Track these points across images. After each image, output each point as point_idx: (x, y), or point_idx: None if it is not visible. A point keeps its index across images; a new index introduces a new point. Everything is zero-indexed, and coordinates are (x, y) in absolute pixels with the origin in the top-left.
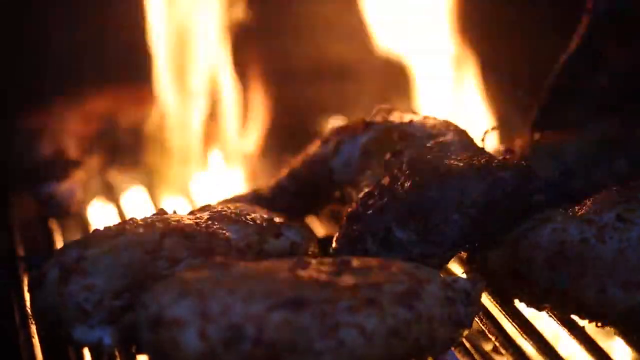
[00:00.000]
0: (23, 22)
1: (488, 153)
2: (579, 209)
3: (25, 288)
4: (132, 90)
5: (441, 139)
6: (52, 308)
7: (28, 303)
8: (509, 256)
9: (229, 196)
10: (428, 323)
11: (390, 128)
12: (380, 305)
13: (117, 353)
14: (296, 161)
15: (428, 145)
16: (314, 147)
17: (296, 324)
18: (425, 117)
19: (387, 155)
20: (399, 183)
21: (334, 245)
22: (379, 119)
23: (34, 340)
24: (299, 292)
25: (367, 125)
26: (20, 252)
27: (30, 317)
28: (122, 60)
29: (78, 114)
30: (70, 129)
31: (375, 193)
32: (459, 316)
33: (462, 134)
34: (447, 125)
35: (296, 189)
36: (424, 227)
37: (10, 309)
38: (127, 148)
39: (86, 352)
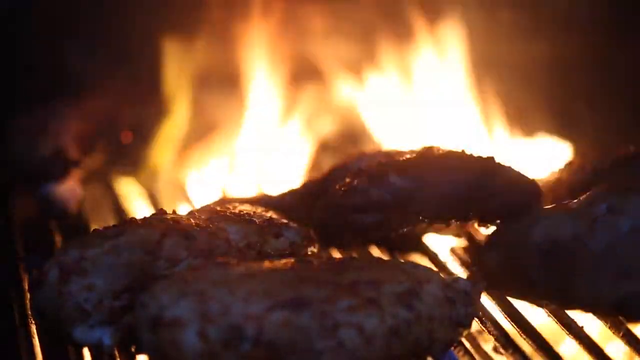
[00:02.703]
0: (23, 22)
1: None
2: (574, 202)
3: (26, 288)
4: (132, 90)
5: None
6: (52, 308)
7: (28, 303)
8: (505, 256)
9: (231, 196)
10: (428, 323)
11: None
12: (380, 305)
13: (117, 353)
14: (314, 176)
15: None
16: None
17: (296, 324)
18: None
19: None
20: (407, 156)
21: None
22: None
23: (34, 340)
24: (299, 292)
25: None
26: (20, 252)
27: (30, 317)
28: (123, 60)
29: (78, 114)
30: (70, 129)
31: (382, 161)
32: (459, 316)
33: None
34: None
35: (309, 195)
36: (420, 178)
37: (10, 309)
38: (127, 148)
39: (86, 352)
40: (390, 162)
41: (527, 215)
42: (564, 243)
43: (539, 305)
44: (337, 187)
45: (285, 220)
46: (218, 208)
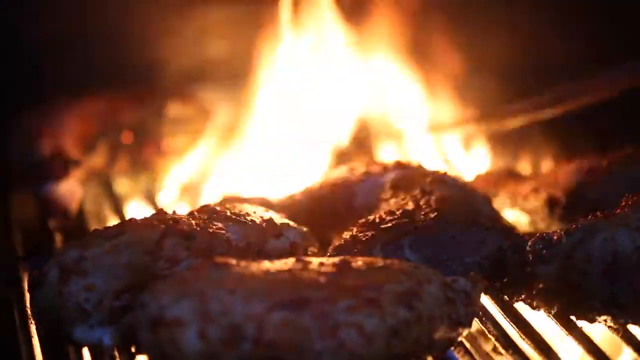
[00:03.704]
0: (22, 22)
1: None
2: (618, 217)
3: (26, 288)
4: (131, 90)
5: (471, 194)
6: (52, 308)
7: (28, 303)
8: (561, 270)
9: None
10: (428, 323)
11: (425, 171)
12: (380, 305)
13: (116, 353)
14: (315, 183)
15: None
16: (339, 173)
17: (296, 324)
18: (457, 176)
19: (416, 191)
20: (423, 213)
21: (339, 242)
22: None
23: (33, 340)
24: (299, 292)
25: (400, 164)
26: (20, 252)
27: (30, 317)
28: (122, 61)
29: (78, 114)
30: (71, 129)
31: (397, 213)
32: (459, 316)
33: (489, 200)
34: (477, 189)
35: (310, 205)
36: (435, 258)
37: (10, 309)
38: (127, 148)
39: (86, 352)
40: (405, 228)
41: (578, 228)
42: (627, 255)
43: (593, 321)
44: (350, 233)
45: (285, 221)
46: (218, 208)
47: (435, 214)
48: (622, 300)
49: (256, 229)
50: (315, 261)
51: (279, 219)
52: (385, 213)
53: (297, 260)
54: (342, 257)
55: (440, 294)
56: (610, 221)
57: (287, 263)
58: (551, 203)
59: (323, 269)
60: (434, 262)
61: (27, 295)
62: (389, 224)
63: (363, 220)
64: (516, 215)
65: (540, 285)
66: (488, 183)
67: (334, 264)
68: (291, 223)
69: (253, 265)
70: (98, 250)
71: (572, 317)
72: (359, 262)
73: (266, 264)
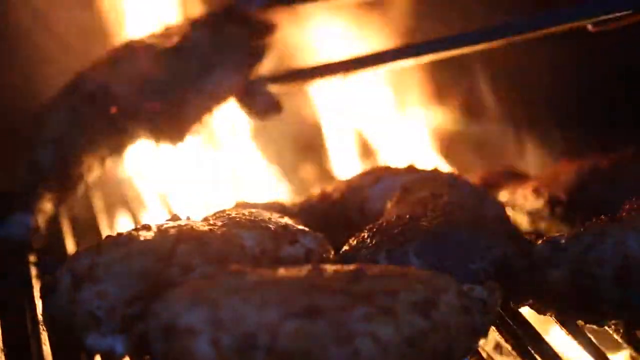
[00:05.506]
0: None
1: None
2: (627, 220)
3: (37, 295)
4: None
5: (482, 198)
6: (63, 315)
7: (40, 310)
8: (571, 274)
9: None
10: (444, 332)
11: (437, 175)
12: (396, 314)
13: None
14: (330, 186)
15: (469, 199)
16: (352, 177)
17: (310, 333)
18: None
19: (426, 195)
20: (430, 218)
21: (345, 247)
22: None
23: (45, 347)
24: (314, 300)
25: (412, 168)
26: (33, 258)
27: (42, 324)
28: None
29: None
30: None
31: (404, 218)
32: (476, 325)
33: (501, 205)
34: (489, 194)
35: (324, 210)
36: (439, 264)
37: (23, 316)
38: None
39: None
40: (411, 234)
41: (587, 232)
42: (638, 259)
43: (602, 325)
44: (356, 239)
45: (301, 227)
46: (234, 214)
47: (442, 219)
48: (634, 304)
49: (271, 235)
50: (330, 269)
51: (294, 224)
52: (393, 218)
53: (312, 268)
54: (357, 265)
55: (456, 303)
56: (620, 224)
57: (302, 270)
58: (552, 203)
59: (338, 276)
60: (440, 269)
61: (39, 302)
62: (395, 230)
63: (371, 225)
64: (516, 216)
65: (549, 290)
66: (488, 183)
67: (349, 272)
68: (306, 229)
69: (267, 272)
70: (111, 257)
71: (579, 322)
72: (374, 269)
73: (280, 272)
